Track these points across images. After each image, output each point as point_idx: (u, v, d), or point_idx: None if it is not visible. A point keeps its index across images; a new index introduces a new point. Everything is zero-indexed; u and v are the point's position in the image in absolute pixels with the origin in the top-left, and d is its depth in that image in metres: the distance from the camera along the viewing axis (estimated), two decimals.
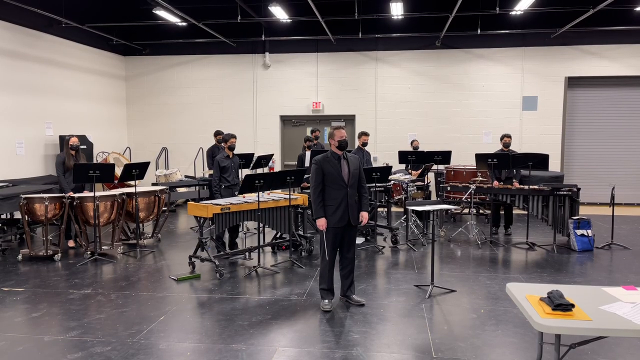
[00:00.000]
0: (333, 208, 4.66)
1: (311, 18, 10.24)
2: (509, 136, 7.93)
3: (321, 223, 4.67)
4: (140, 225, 7.67)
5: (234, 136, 6.90)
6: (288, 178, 6.17)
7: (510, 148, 8.02)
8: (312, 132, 9.31)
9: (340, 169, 4.68)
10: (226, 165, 6.83)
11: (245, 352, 3.82)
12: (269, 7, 9.22)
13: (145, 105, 12.51)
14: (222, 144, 7.47)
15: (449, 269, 6.12)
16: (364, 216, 4.83)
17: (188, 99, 12.35)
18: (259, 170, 11.09)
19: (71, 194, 6.82)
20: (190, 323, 4.42)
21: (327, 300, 4.75)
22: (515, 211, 10.06)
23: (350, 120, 12.04)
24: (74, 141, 7.08)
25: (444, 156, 8.54)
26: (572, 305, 2.64)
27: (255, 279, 5.77)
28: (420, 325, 4.36)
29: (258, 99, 12.14)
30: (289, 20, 11.40)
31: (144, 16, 11.75)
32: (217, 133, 8.66)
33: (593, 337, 2.80)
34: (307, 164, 8.56)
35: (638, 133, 11.27)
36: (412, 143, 10.36)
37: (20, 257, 6.64)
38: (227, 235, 7.47)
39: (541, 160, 7.11)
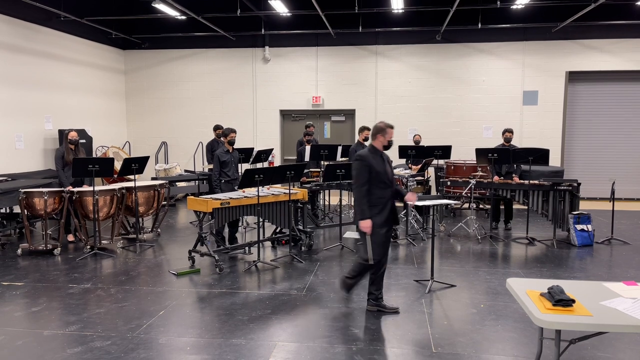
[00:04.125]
0: (379, 208, 4.36)
1: (311, 12, 10.19)
2: (510, 131, 7.91)
3: (367, 225, 4.31)
4: (140, 219, 7.66)
5: (233, 131, 6.88)
6: (288, 173, 6.15)
7: (511, 143, 8.01)
8: (307, 126, 9.13)
9: (384, 167, 4.43)
10: (226, 159, 6.81)
11: (245, 347, 3.82)
12: (269, 1, 9.17)
13: (145, 99, 12.48)
14: (221, 139, 7.45)
15: (448, 264, 6.12)
16: (413, 198, 4.57)
17: (187, 93, 12.32)
18: (259, 165, 11.08)
19: (70, 188, 6.81)
20: (190, 318, 4.42)
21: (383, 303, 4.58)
22: (515, 206, 10.05)
23: (350, 114, 12.00)
24: (73, 135, 7.06)
25: (444, 151, 8.52)
26: (573, 301, 2.63)
27: (255, 273, 5.77)
28: (420, 320, 4.36)
29: (258, 93, 12.11)
30: (288, 14, 11.35)
31: (143, 10, 11.69)
32: (217, 127, 8.63)
33: (593, 332, 2.80)
34: (307, 158, 8.54)
35: (639, 128, 11.24)
36: (413, 137, 10.34)
37: (19, 251, 6.63)
38: (226, 229, 7.47)
39: (541, 155, 7.09)
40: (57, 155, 7.00)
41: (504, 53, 11.29)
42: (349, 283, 4.67)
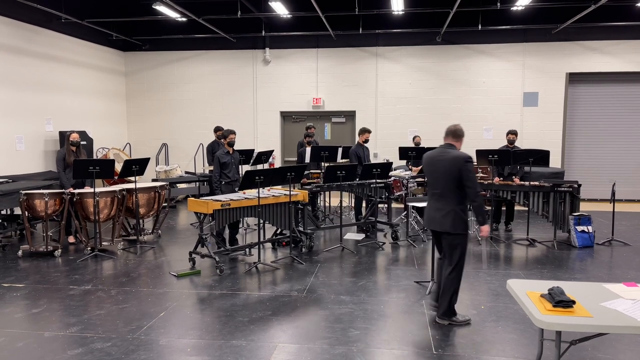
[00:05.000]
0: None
1: (311, 13, 10.20)
2: (513, 133, 7.91)
3: (488, 230, 4.22)
4: (141, 221, 7.67)
5: (233, 132, 6.88)
6: (288, 174, 6.16)
7: (515, 144, 8.01)
8: (307, 128, 9.12)
9: None
10: (226, 161, 6.82)
11: (246, 348, 3.82)
12: (269, 3, 9.18)
13: (145, 100, 12.49)
14: (221, 140, 7.46)
15: None
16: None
17: (188, 95, 12.33)
18: (259, 167, 11.08)
19: (71, 190, 6.81)
20: (190, 319, 4.42)
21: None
22: (516, 207, 10.05)
23: (350, 116, 12.01)
24: (74, 137, 7.06)
25: None
26: (573, 302, 2.63)
27: (256, 275, 5.77)
28: (421, 321, 4.36)
29: (258, 95, 12.12)
30: (289, 16, 11.36)
31: (144, 11, 11.71)
32: (217, 129, 8.64)
33: (594, 333, 2.80)
34: (307, 160, 8.54)
35: (639, 129, 11.24)
36: (414, 139, 10.34)
37: (20, 253, 6.64)
38: (227, 231, 7.47)
39: (542, 157, 7.09)
40: (58, 157, 7.00)
41: (504, 54, 11.30)
42: (452, 305, 4.29)
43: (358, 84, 11.78)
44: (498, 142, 11.13)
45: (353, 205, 9.82)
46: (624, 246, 7.13)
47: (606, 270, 5.94)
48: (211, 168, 8.24)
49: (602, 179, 11.40)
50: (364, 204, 8.49)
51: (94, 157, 10.60)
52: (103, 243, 7.16)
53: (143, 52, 12.38)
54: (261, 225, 7.23)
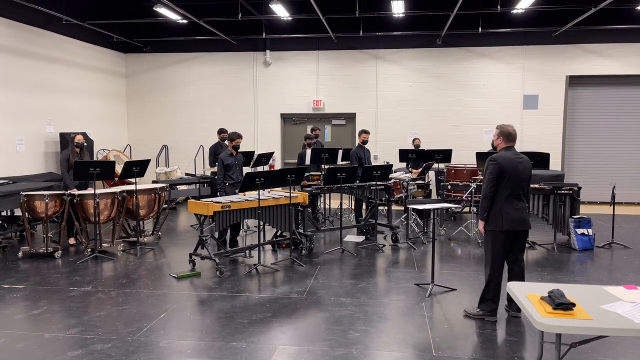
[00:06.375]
0: None
1: (312, 16, 10.22)
2: None
3: None
4: (141, 222, 7.67)
5: (240, 137, 6.91)
6: (288, 176, 6.17)
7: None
8: (312, 130, 9.26)
9: None
10: (230, 162, 6.84)
11: (246, 350, 3.82)
12: (270, 5, 9.19)
13: (146, 102, 12.50)
14: (226, 142, 7.46)
15: (449, 268, 6.12)
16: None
17: (188, 97, 12.34)
18: (260, 168, 11.08)
19: (75, 190, 6.82)
20: (190, 321, 4.42)
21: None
22: None
23: (350, 118, 12.02)
24: (79, 139, 7.08)
25: (445, 154, 8.53)
26: (573, 305, 2.64)
27: (256, 277, 5.77)
28: (421, 323, 4.36)
29: (259, 97, 12.13)
30: (289, 18, 11.38)
31: (145, 13, 11.72)
32: (221, 131, 8.64)
33: (594, 336, 2.80)
34: (307, 162, 8.54)
35: (639, 132, 11.25)
36: (413, 142, 10.35)
37: (20, 254, 6.64)
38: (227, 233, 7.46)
39: (542, 159, 7.10)
40: (62, 158, 7.03)
41: (505, 57, 11.31)
42: None
43: (358, 86, 11.79)
44: None
45: (353, 207, 9.82)
46: (624, 249, 7.13)
47: (606, 272, 5.94)
48: (212, 170, 8.25)
49: (602, 181, 11.40)
50: (364, 206, 8.49)
51: (95, 159, 10.61)
52: (103, 244, 7.16)
53: (144, 53, 12.40)
54: (261, 227, 7.23)
